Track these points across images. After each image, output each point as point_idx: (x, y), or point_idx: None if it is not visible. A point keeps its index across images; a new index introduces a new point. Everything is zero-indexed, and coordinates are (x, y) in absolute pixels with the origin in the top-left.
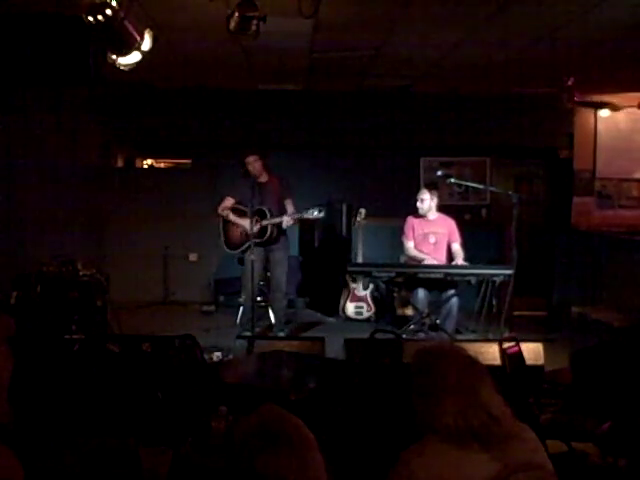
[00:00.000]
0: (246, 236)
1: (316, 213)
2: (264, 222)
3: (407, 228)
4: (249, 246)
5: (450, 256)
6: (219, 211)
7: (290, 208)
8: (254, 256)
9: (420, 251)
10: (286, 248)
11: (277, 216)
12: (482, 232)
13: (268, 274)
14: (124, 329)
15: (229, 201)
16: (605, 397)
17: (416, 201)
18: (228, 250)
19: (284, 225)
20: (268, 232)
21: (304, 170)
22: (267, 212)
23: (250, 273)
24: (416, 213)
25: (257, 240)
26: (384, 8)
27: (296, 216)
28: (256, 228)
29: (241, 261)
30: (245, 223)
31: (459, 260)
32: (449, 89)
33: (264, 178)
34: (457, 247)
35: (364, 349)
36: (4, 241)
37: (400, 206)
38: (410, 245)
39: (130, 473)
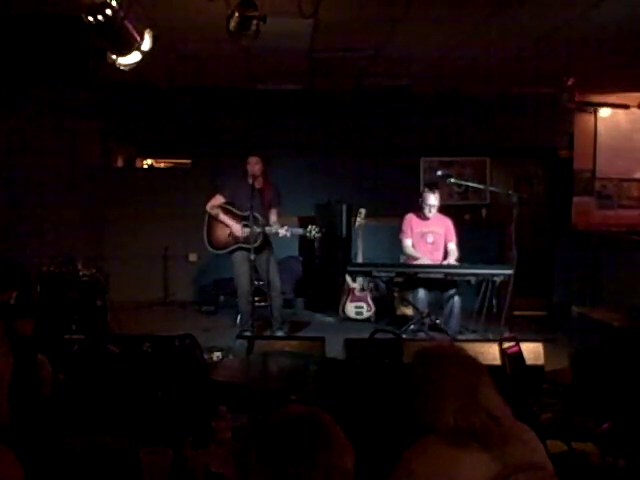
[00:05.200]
0: (234, 238)
1: (314, 233)
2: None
3: (405, 226)
4: (237, 248)
5: (447, 256)
6: (208, 208)
7: (274, 217)
8: (241, 258)
9: (417, 250)
10: (271, 247)
11: (264, 224)
12: (482, 232)
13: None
14: (124, 329)
15: (219, 199)
16: (605, 397)
17: (420, 201)
18: (210, 249)
19: (280, 235)
20: (261, 239)
21: (304, 170)
22: (260, 220)
23: (242, 274)
24: (416, 211)
25: (246, 245)
26: (384, 8)
27: (297, 232)
28: (247, 231)
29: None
30: (234, 225)
31: (451, 259)
32: (449, 89)
33: (259, 183)
34: (452, 247)
35: (364, 349)
36: (4, 241)
37: (400, 206)
38: (408, 243)
39: (130, 473)
